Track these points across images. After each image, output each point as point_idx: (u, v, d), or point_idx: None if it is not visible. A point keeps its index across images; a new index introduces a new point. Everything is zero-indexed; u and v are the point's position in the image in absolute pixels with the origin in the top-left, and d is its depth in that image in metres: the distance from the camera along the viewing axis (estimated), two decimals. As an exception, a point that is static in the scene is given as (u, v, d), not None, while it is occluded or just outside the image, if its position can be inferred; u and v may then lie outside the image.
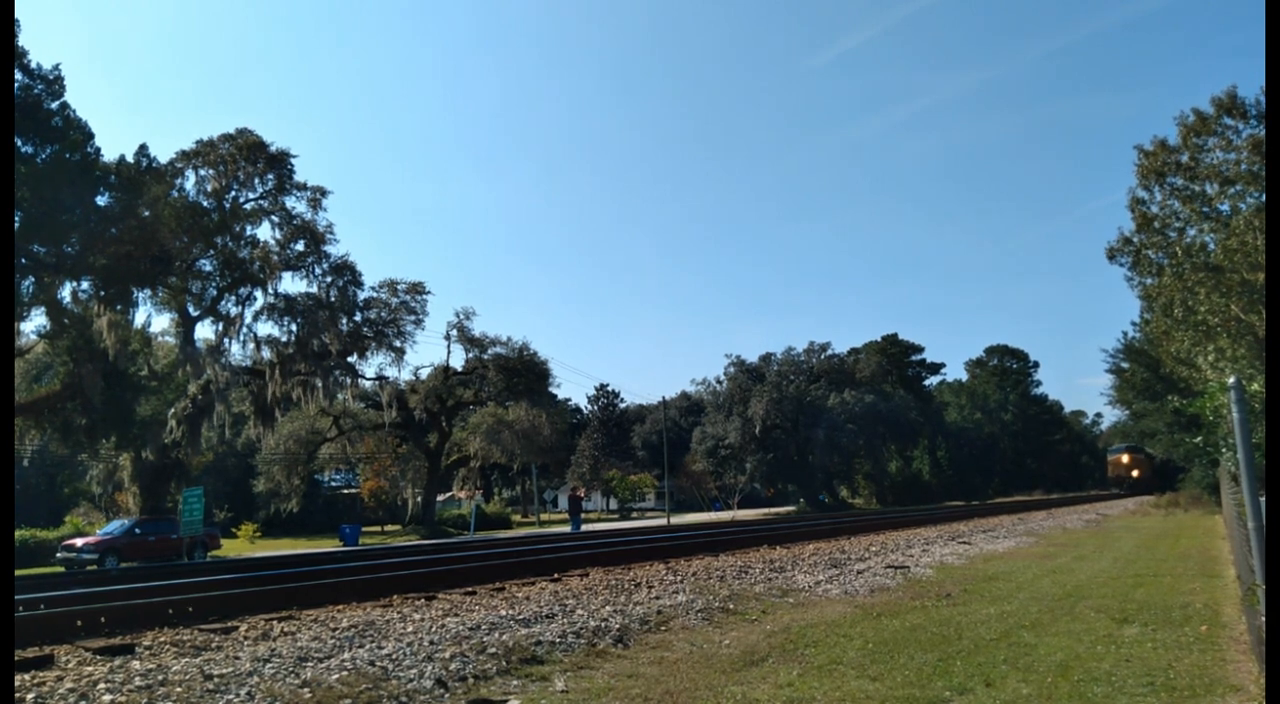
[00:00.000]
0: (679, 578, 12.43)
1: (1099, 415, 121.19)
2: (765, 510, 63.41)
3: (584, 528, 36.26)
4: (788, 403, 58.99)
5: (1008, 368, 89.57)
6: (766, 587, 11.70)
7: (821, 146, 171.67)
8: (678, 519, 49.33)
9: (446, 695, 5.94)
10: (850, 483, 73.70)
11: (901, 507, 58.95)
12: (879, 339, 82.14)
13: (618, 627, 8.36)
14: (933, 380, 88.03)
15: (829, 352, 67.84)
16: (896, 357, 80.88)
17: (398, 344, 41.13)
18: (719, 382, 65.26)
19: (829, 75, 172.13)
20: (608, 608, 9.54)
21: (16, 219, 23.12)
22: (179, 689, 5.80)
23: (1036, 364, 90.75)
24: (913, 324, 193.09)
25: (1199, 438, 17.19)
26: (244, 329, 34.85)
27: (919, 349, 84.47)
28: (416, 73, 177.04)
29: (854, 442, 60.26)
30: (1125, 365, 49.30)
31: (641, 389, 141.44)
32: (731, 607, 9.95)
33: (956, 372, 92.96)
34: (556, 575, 12.92)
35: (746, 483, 64.88)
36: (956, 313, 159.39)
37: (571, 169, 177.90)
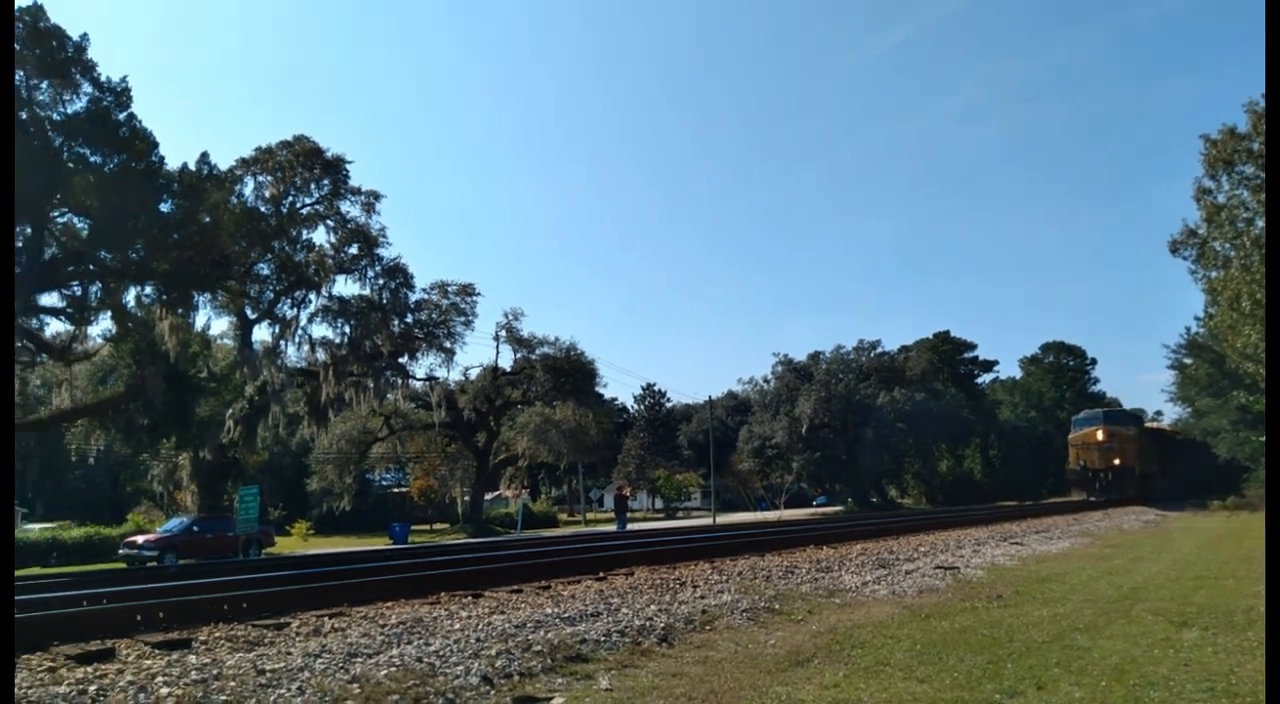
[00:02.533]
0: (724, 577, 12.40)
1: (1159, 413, 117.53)
2: (812, 510, 62.88)
3: (629, 527, 36.34)
4: (836, 402, 58.42)
5: (1064, 365, 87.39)
6: (813, 587, 11.61)
7: (872, 140, 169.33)
8: (723, 518, 49.17)
9: (492, 692, 6.01)
10: (899, 482, 72.69)
11: (952, 506, 57.95)
12: (930, 337, 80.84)
13: (662, 625, 8.37)
14: (985, 378, 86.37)
15: (879, 350, 67.00)
16: (948, 354, 79.53)
17: (447, 345, 41.76)
18: (766, 381, 64.94)
19: (880, 67, 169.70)
20: (652, 607, 9.55)
21: (85, 226, 24.00)
22: (233, 684, 5.96)
23: (1094, 361, 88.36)
24: (965, 321, 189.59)
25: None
26: (299, 331, 35.69)
27: (971, 346, 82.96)
28: (463, 77, 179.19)
29: (903, 441, 59.44)
30: (1188, 361, 47.92)
31: (688, 388, 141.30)
32: (777, 606, 9.89)
33: (1010, 369, 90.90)
34: (602, 574, 12.97)
35: (793, 482, 64.44)
36: (1010, 309, 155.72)
37: (620, 169, 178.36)
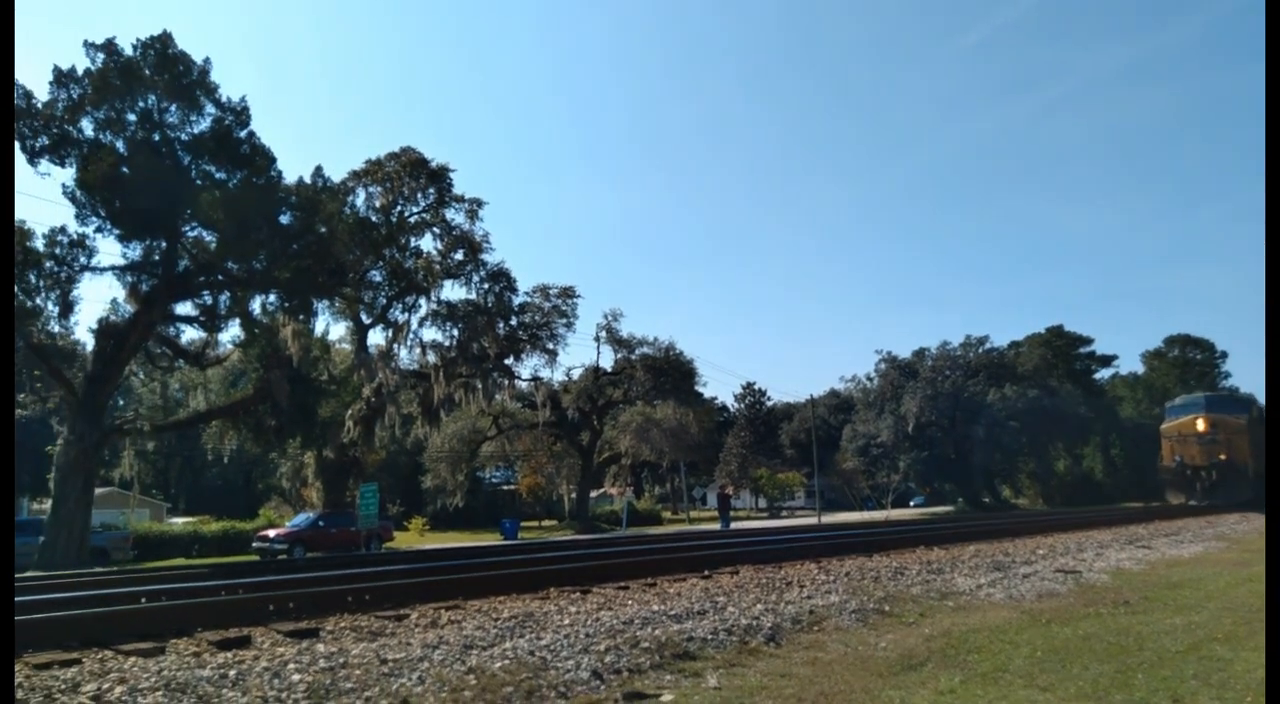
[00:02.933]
0: (831, 578, 12.21)
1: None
2: (921, 510, 61.14)
3: (733, 525, 36.18)
4: (943, 399, 56.66)
5: (1190, 359, 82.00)
6: (924, 589, 11.31)
7: (971, 131, 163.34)
8: (828, 518, 48.36)
9: (602, 687, 6.11)
10: (1013, 482, 69.83)
11: (1071, 507, 55.25)
12: (1042, 331, 77.29)
13: (769, 625, 8.32)
14: (1104, 373, 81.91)
15: (987, 345, 64.58)
16: (1062, 349, 75.82)
17: (550, 346, 42.66)
18: (869, 378, 63.64)
19: (977, 56, 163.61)
20: (759, 606, 9.50)
21: (213, 239, 25.53)
22: (358, 672, 6.25)
23: (1224, 354, 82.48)
24: (1079, 315, 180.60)
25: None
26: (411, 335, 37.14)
27: (1087, 341, 78.83)
28: (555, 86, 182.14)
29: (1016, 439, 57.11)
30: None
31: (789, 387, 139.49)
32: (887, 608, 9.68)
33: (1131, 364, 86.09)
34: (707, 572, 12.97)
35: (900, 482, 62.82)
36: (1128, 301, 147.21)
37: (712, 170, 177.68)
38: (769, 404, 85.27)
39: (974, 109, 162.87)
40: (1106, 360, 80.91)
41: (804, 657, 7.17)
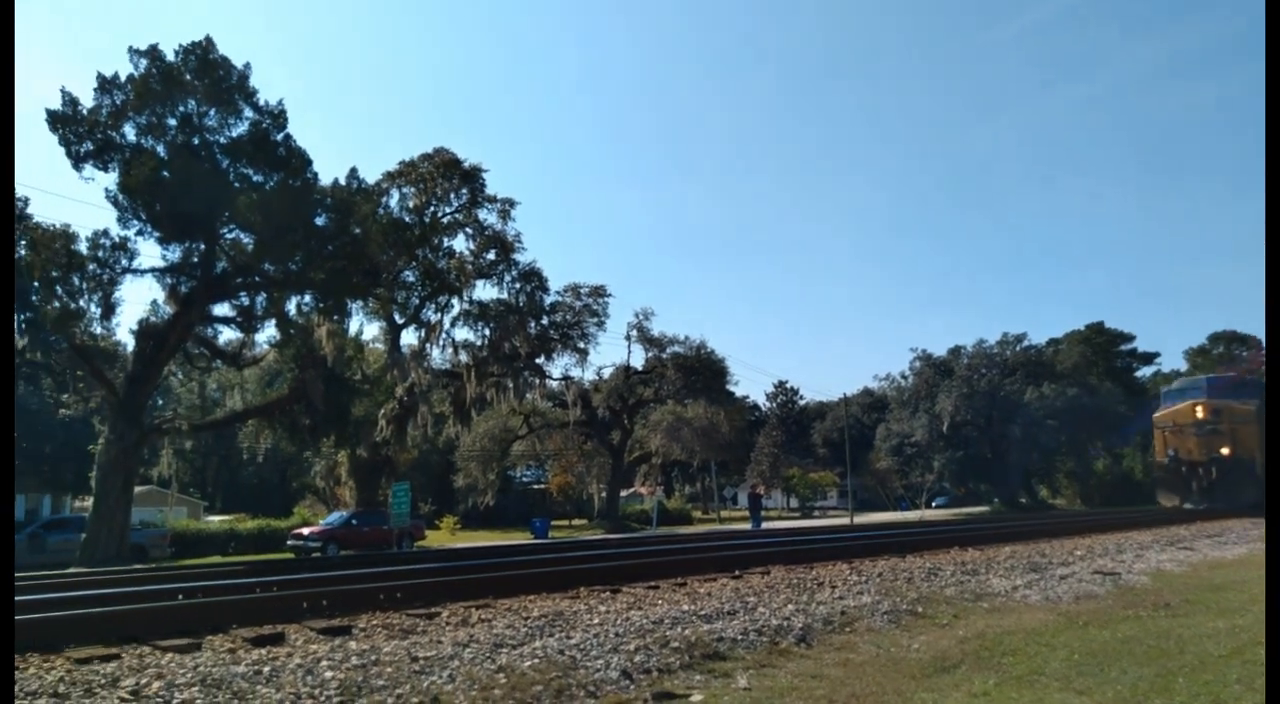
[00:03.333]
0: (863, 578, 12.10)
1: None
2: (956, 510, 60.39)
3: (764, 525, 36.01)
4: (979, 398, 55.91)
5: (1236, 356, 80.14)
6: (958, 590, 11.16)
7: (1007, 127, 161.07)
8: (861, 518, 47.96)
9: (632, 687, 6.10)
10: (1051, 482, 68.69)
11: (1110, 508, 54.28)
12: (1082, 328, 75.96)
13: (800, 626, 8.25)
14: (1146, 371, 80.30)
15: (1025, 342, 63.59)
16: (1102, 346, 74.41)
17: (581, 345, 42.80)
18: (904, 377, 62.99)
19: (1011, 51, 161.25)
20: (790, 606, 9.44)
21: (250, 241, 25.91)
22: (389, 669, 6.30)
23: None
24: (1120, 311, 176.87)
25: None
26: (443, 334, 37.46)
27: (1128, 338, 77.26)
28: (583, 85, 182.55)
29: (1054, 438, 56.16)
30: None
31: (821, 385, 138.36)
32: (920, 610, 9.57)
33: (1175, 361, 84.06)
34: (737, 572, 12.91)
35: (935, 482, 62.12)
36: (1171, 298, 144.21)
37: (744, 170, 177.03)
38: (801, 403, 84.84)
39: (1010, 104, 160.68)
40: (1148, 358, 79.28)
41: (835, 658, 7.11)
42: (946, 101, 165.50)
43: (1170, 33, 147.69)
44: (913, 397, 59.83)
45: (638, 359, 50.85)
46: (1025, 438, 54.55)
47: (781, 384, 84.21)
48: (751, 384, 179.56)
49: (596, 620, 8.51)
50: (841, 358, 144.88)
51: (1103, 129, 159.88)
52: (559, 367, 44.80)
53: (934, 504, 67.74)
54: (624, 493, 57.31)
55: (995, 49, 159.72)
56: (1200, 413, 35.30)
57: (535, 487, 59.74)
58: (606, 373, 50.74)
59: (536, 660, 6.66)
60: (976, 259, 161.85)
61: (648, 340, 49.15)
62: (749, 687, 6.08)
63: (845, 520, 44.76)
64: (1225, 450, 33.94)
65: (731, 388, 57.29)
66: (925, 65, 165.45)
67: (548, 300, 40.95)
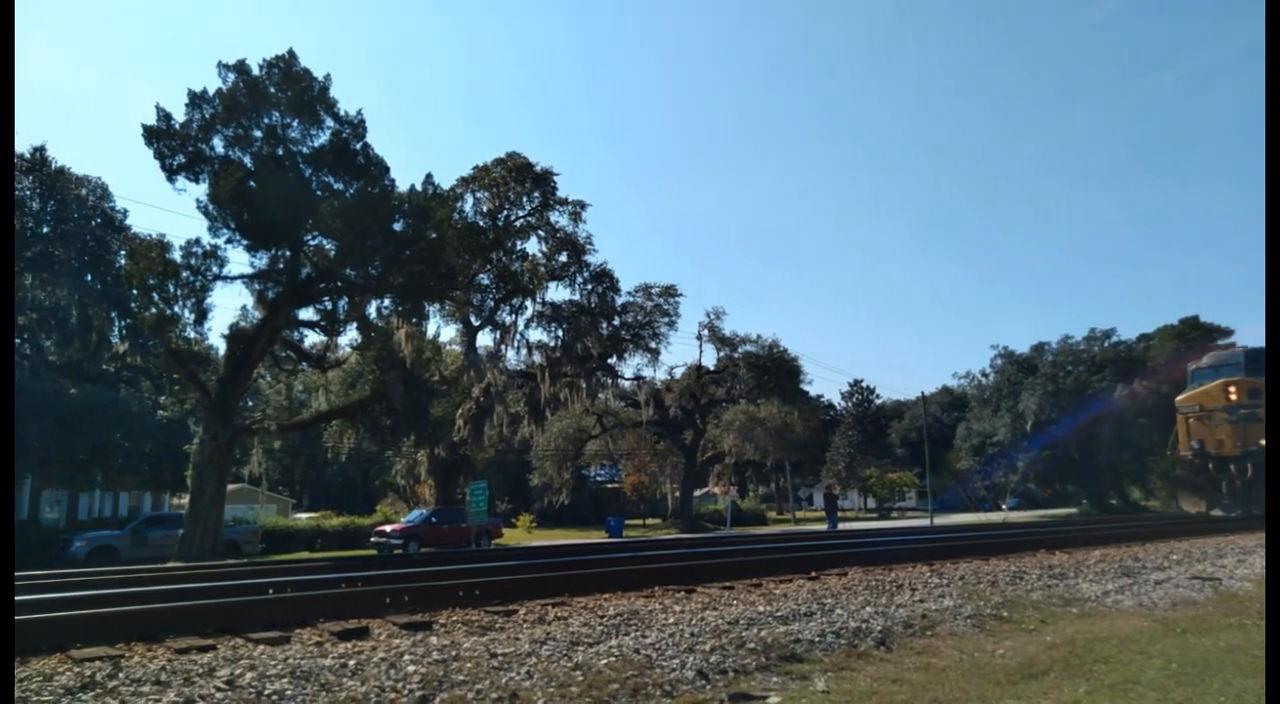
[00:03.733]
0: (944, 581, 11.80)
1: None
2: (1041, 512, 58.39)
3: (840, 526, 35.47)
4: (1065, 396, 53.96)
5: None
6: (1045, 594, 10.79)
7: (1094, 115, 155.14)
8: (941, 519, 46.79)
9: (708, 687, 6.07)
10: (1144, 483, 65.79)
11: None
12: (1175, 323, 72.57)
13: (879, 629, 8.10)
14: (1249, 368, 76.22)
15: (1114, 338, 61.07)
16: (1198, 341, 70.84)
17: (653, 345, 42.87)
18: (984, 375, 61.17)
19: (1099, 36, 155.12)
20: (868, 609, 9.27)
21: (332, 248, 26.73)
22: (469, 665, 6.42)
23: (1387, 344, 75.50)
24: (1218, 305, 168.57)
25: None
26: (517, 336, 38.04)
27: (1225, 332, 73.22)
28: (655, 86, 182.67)
29: (1147, 437, 53.72)
30: None
31: (898, 384, 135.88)
32: (1005, 614, 9.28)
33: (1279, 355, 79.66)
34: (814, 573, 12.75)
35: (1018, 482, 60.16)
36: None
37: (822, 163, 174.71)
38: (877, 402, 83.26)
39: (1098, 91, 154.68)
40: (1249, 353, 75.30)
41: (916, 662, 6.95)
42: (1034, 88, 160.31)
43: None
44: (994, 395, 58.13)
45: (709, 359, 50.74)
46: (1115, 437, 52.43)
47: (857, 383, 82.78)
48: (826, 383, 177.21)
49: (671, 620, 8.50)
50: (919, 357, 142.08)
51: (1196, 115, 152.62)
52: (631, 366, 45.08)
53: (1004, 506, 65.55)
54: (697, 493, 57.18)
55: (1080, 33, 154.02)
56: (1233, 394, 28.30)
57: (609, 486, 60.07)
58: (678, 373, 50.74)
59: (612, 659, 6.69)
60: (1061, 252, 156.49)
61: (719, 340, 48.93)
62: (827, 690, 5.99)
63: (924, 521, 43.76)
64: (1263, 441, 26.62)
65: (805, 387, 56.59)
66: (1011, 51, 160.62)
67: (619, 301, 41.21)
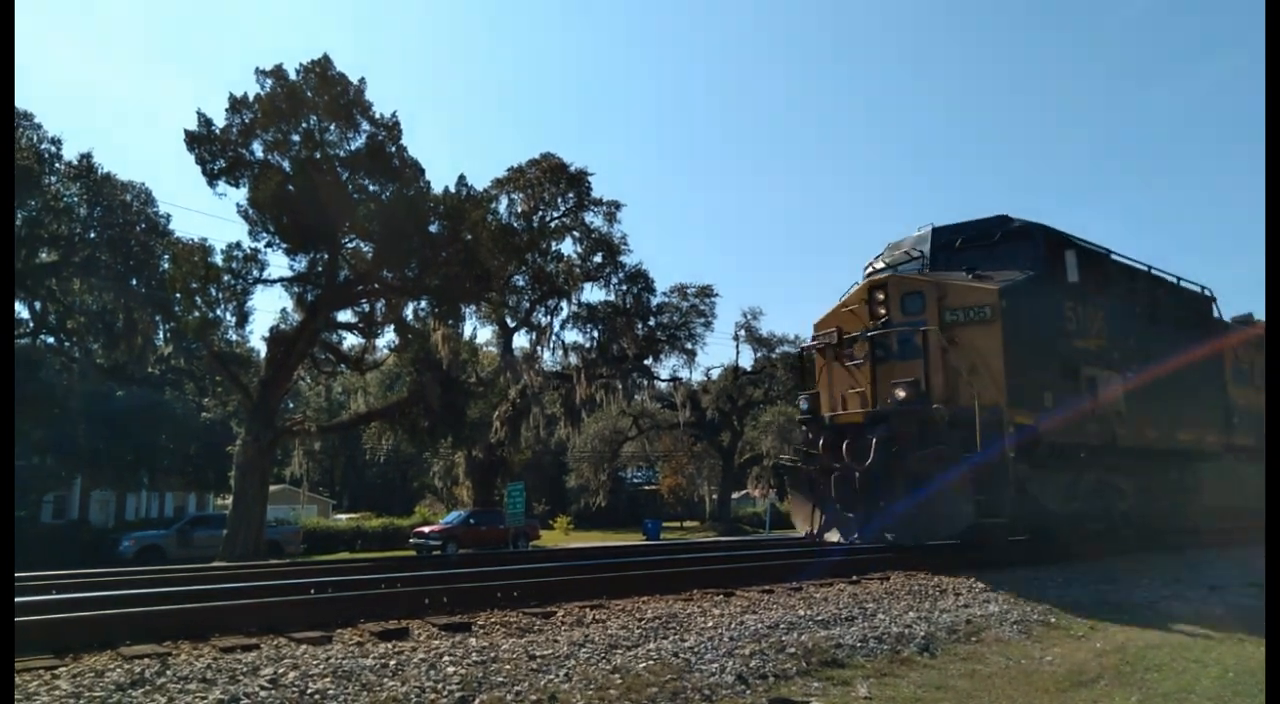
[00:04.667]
0: (989, 586, 11.58)
1: None
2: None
3: (881, 529, 35.00)
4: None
5: None
6: (1094, 599, 10.54)
7: (1149, 101, 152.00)
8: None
9: (747, 692, 6.00)
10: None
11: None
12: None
13: (923, 634, 7.96)
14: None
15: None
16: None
17: (689, 346, 42.82)
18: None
19: (1161, 18, 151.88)
20: (911, 614, 9.11)
21: (369, 251, 27.05)
22: (508, 667, 6.41)
23: None
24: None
25: None
26: (553, 337, 38.21)
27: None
28: (691, 82, 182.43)
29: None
30: None
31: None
32: (1052, 620, 9.08)
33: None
34: (855, 577, 12.56)
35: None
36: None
37: (866, 155, 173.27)
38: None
39: (1154, 79, 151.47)
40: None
41: (961, 669, 6.81)
42: (1088, 78, 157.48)
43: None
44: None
45: (746, 359, 50.49)
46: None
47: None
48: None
49: (710, 623, 8.43)
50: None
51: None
52: (667, 368, 44.97)
53: None
54: (735, 495, 56.88)
55: (1148, 17, 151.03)
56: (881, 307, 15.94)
57: (646, 488, 60.05)
58: (715, 374, 50.58)
59: (651, 662, 6.64)
60: (1128, 240, 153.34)
61: (756, 340, 48.75)
62: (870, 696, 5.89)
63: (965, 524, 43.04)
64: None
65: (843, 388, 55.95)
66: (1068, 35, 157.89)
67: (654, 301, 41.21)
